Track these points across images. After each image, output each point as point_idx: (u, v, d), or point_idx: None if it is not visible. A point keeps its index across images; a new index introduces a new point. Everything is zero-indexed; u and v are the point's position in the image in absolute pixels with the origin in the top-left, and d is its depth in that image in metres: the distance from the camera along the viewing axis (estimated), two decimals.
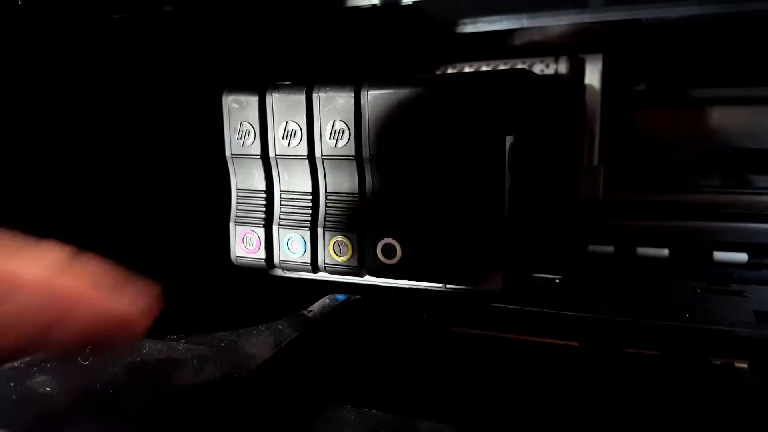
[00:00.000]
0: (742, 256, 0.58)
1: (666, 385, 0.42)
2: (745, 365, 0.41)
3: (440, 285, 0.44)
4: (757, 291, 0.51)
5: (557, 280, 0.53)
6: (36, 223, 0.46)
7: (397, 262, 0.39)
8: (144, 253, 0.55)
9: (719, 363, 0.41)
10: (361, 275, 0.41)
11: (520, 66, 0.58)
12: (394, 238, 0.39)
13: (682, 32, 0.58)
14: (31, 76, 0.46)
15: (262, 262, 0.44)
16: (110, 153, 0.52)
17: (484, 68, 0.60)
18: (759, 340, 0.41)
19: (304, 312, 0.44)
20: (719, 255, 0.59)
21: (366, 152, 0.38)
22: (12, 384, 0.35)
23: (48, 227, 0.47)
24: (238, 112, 0.42)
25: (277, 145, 0.42)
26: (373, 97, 0.37)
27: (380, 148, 0.38)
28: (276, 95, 0.41)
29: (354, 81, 0.39)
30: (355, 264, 0.40)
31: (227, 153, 0.44)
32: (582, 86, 0.58)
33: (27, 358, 0.38)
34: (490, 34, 0.57)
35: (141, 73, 0.54)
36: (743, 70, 0.65)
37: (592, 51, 0.58)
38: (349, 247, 0.40)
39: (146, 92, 0.55)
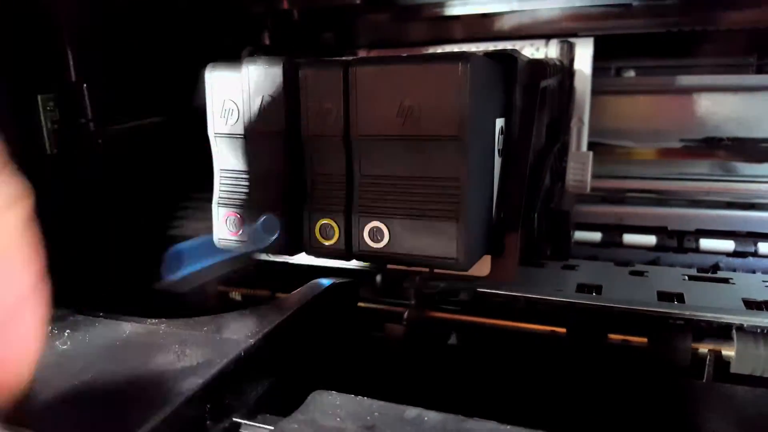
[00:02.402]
0: (728, 244, 0.58)
1: (653, 372, 0.42)
2: (732, 353, 0.41)
3: (427, 270, 0.43)
4: (744, 278, 0.51)
5: (545, 266, 0.52)
6: None
7: (384, 246, 0.38)
8: (128, 236, 0.54)
9: (707, 350, 0.41)
10: (347, 259, 0.40)
11: (510, 48, 0.57)
12: (381, 222, 0.38)
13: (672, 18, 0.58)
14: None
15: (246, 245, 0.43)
16: None
17: (474, 50, 0.59)
18: (748, 328, 0.41)
19: (289, 297, 0.43)
20: (706, 242, 0.59)
21: (353, 132, 0.37)
22: None
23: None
24: (222, 90, 0.41)
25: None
26: (362, 76, 0.36)
27: (368, 129, 0.37)
28: (261, 72, 0.40)
29: (343, 59, 0.38)
30: (342, 247, 0.39)
31: (210, 132, 0.42)
32: (572, 71, 0.58)
33: None
34: (480, 16, 0.56)
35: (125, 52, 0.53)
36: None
37: (583, 35, 0.58)
38: (336, 230, 0.39)
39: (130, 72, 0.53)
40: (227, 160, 0.43)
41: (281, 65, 0.38)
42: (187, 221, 0.54)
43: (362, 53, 0.63)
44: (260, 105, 0.40)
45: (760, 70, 0.65)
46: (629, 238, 0.61)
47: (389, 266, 0.43)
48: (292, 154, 0.40)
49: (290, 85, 0.39)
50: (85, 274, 0.49)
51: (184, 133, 0.52)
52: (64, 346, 0.36)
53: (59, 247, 0.47)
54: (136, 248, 0.54)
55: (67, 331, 0.38)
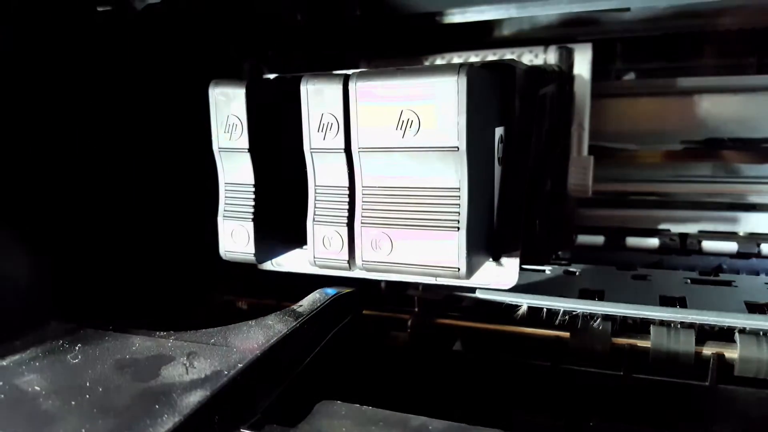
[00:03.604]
0: (731, 245, 0.58)
1: (657, 376, 0.42)
2: (735, 356, 0.41)
3: (431, 278, 0.44)
4: (747, 280, 0.51)
5: (547, 271, 0.53)
6: (22, 219, 0.46)
7: (386, 257, 0.38)
8: (136, 249, 0.54)
9: (710, 353, 0.42)
10: (351, 269, 0.40)
11: (509, 56, 0.58)
12: (383, 232, 0.38)
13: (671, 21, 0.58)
14: (12, 71, 0.45)
15: (252, 257, 0.44)
16: (98, 149, 0.51)
17: (473, 58, 0.60)
18: (750, 331, 0.41)
19: (294, 307, 0.44)
20: (709, 244, 0.59)
21: (354, 145, 0.38)
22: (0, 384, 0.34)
23: (34, 224, 0.46)
24: (225, 105, 0.42)
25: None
26: (362, 89, 0.37)
27: (368, 141, 0.37)
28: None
29: (343, 73, 0.38)
30: (346, 258, 0.40)
31: (214, 147, 0.43)
32: (571, 76, 0.58)
33: (15, 357, 0.38)
34: (479, 24, 0.57)
35: (127, 66, 0.53)
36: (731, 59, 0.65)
37: (582, 40, 0.58)
38: (340, 240, 0.40)
39: (133, 86, 0.54)
40: (232, 174, 0.43)
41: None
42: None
43: (363, 64, 0.64)
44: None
45: (760, 71, 0.65)
46: (632, 241, 0.61)
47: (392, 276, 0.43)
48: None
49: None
50: (96, 285, 0.50)
51: (188, 144, 0.52)
52: (75, 360, 0.37)
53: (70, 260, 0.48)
54: (144, 260, 0.55)
55: (78, 344, 0.39)
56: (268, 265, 0.49)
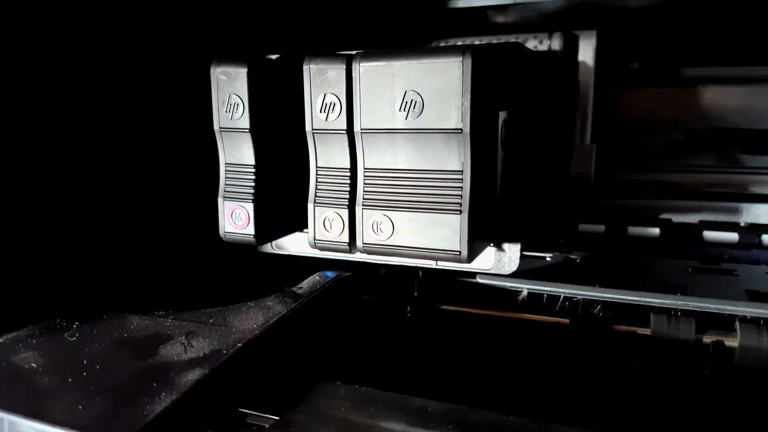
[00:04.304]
0: (732, 236, 0.58)
1: (657, 364, 0.42)
2: (735, 344, 0.41)
3: (431, 262, 0.43)
4: (748, 270, 0.51)
5: (548, 258, 0.52)
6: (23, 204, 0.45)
7: (387, 239, 0.38)
8: (135, 230, 0.54)
9: (710, 342, 0.41)
10: (351, 252, 0.40)
11: (512, 41, 0.57)
12: (384, 215, 0.38)
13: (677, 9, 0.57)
14: (11, 51, 0.45)
15: (252, 238, 0.43)
16: (97, 132, 0.51)
17: (477, 43, 0.59)
18: (751, 319, 0.41)
19: (294, 289, 0.44)
20: (710, 234, 0.59)
21: (357, 126, 0.38)
22: None
23: (30, 205, 0.46)
24: (227, 85, 0.41)
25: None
26: (366, 70, 0.36)
27: (371, 122, 0.37)
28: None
29: (346, 53, 0.38)
30: (346, 240, 0.40)
31: (215, 126, 0.43)
32: (575, 63, 0.58)
33: (12, 334, 0.38)
34: (484, 8, 0.56)
35: (128, 46, 0.53)
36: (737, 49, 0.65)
37: (586, 27, 0.57)
38: (341, 223, 0.40)
39: (134, 66, 0.54)
40: (232, 154, 0.43)
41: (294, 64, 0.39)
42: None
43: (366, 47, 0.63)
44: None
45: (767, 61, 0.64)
46: (633, 230, 0.61)
47: (393, 259, 0.43)
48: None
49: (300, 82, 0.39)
50: (98, 268, 0.50)
51: (187, 123, 0.52)
52: (73, 338, 0.37)
53: (71, 241, 0.48)
54: (143, 242, 0.55)
55: (76, 323, 0.39)
56: (268, 247, 0.49)
